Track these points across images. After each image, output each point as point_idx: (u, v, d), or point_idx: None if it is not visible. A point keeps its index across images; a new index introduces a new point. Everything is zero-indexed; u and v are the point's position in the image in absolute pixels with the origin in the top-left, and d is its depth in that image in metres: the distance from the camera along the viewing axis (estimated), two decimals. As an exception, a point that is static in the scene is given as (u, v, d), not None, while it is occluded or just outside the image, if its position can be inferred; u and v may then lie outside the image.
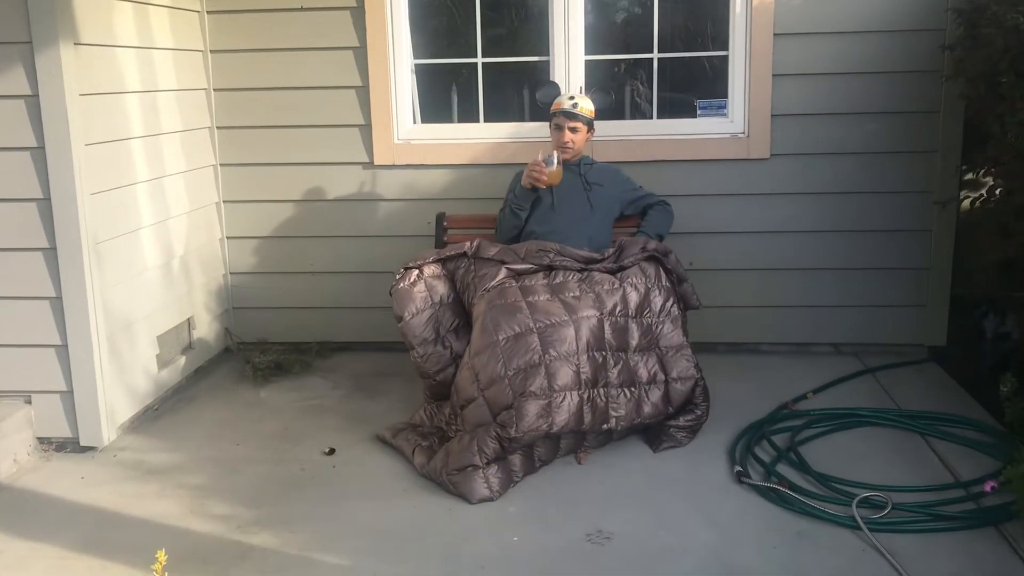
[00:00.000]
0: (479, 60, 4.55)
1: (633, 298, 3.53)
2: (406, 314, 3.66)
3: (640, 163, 4.45)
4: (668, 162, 4.48)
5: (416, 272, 3.75)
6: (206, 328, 4.60)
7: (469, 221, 4.33)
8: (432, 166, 4.59)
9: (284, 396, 4.23)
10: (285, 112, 4.60)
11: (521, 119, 4.78)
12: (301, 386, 4.35)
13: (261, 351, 4.64)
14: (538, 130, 4.51)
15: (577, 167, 4.02)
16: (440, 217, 4.29)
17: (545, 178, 3.82)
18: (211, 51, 4.58)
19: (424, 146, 4.58)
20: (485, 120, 4.61)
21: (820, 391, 4.12)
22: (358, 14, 4.48)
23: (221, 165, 4.70)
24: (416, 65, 4.65)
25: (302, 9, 4.50)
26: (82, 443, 3.63)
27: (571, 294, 3.49)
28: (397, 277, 3.74)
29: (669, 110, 4.60)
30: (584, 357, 3.34)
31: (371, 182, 4.64)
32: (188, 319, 4.43)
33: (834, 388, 4.17)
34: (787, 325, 4.62)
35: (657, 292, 3.59)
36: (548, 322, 3.33)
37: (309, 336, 4.81)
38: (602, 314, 3.43)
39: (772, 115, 4.39)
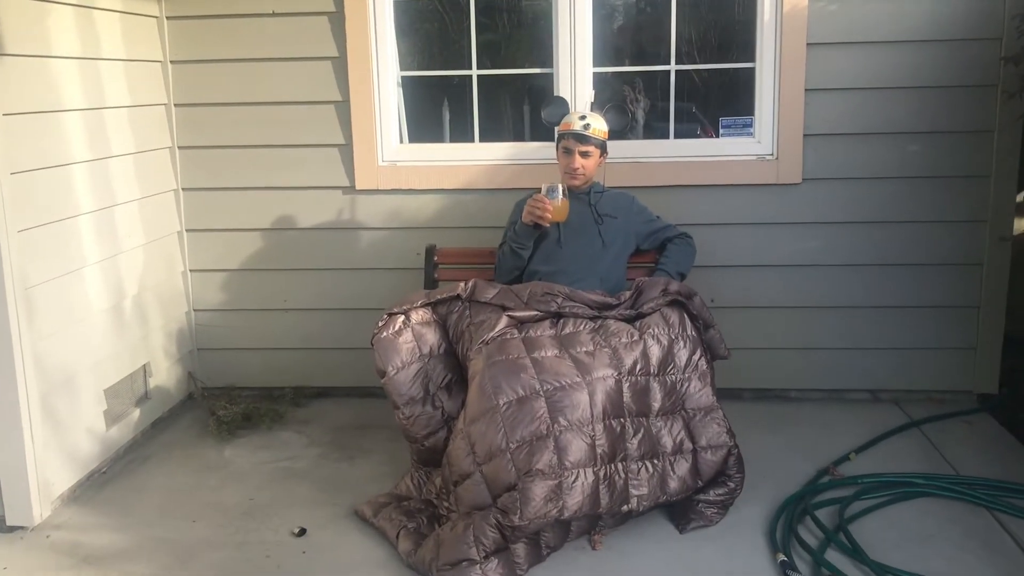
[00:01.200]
0: (474, 72, 4.04)
1: (655, 352, 3.02)
2: (390, 368, 3.14)
3: (655, 188, 3.95)
4: (687, 187, 3.98)
5: (402, 319, 3.23)
6: (165, 374, 4.07)
7: (463, 255, 3.82)
8: (421, 191, 4.08)
9: (251, 456, 3.70)
10: (255, 130, 4.08)
11: (521, 138, 4.27)
12: (271, 442, 3.83)
13: (228, 400, 4.11)
14: (541, 151, 4.00)
15: (587, 196, 3.51)
16: (430, 251, 3.78)
17: (549, 215, 3.32)
18: (171, 62, 4.06)
19: (412, 168, 4.07)
20: (481, 139, 4.10)
21: (863, 450, 3.61)
22: (337, 20, 3.97)
23: (184, 190, 4.18)
24: (403, 77, 4.14)
25: (274, 14, 3.98)
26: (8, 522, 3.10)
27: (583, 349, 2.97)
28: (379, 324, 3.22)
29: (688, 129, 4.10)
30: (600, 427, 2.82)
31: (352, 208, 4.13)
32: (144, 366, 3.90)
33: (878, 446, 3.66)
34: (819, 369, 4.11)
35: (682, 343, 3.08)
36: (557, 384, 2.82)
37: (283, 380, 4.29)
38: (620, 374, 2.92)
39: (804, 135, 3.89)
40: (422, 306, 3.28)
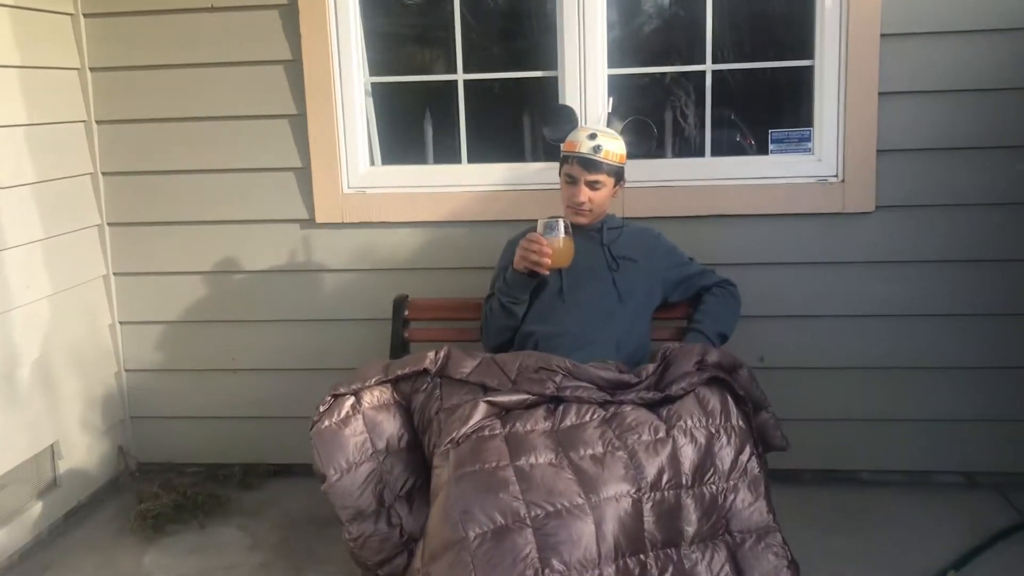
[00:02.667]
0: (459, 76, 3.25)
1: (688, 455, 2.19)
2: (331, 471, 2.36)
3: (686, 220, 3.13)
4: (727, 218, 3.15)
5: (351, 402, 2.45)
6: (84, 452, 3.31)
7: (442, 309, 3.03)
8: (396, 224, 3.29)
9: (178, 565, 2.92)
10: (194, 151, 3.32)
11: (520, 157, 3.48)
12: (207, 544, 3.04)
13: (163, 483, 3.34)
14: (544, 173, 3.20)
15: (598, 234, 2.71)
16: (399, 304, 2.98)
17: (548, 260, 2.52)
18: (91, 69, 3.31)
19: (385, 196, 3.28)
20: (470, 160, 3.31)
21: (965, 564, 2.75)
22: (290, 14, 3.21)
23: (110, 225, 3.42)
24: (372, 84, 3.36)
25: (212, 9, 3.22)
26: None
27: (589, 452, 2.16)
28: (321, 410, 2.44)
29: (728, 144, 3.28)
30: (611, 569, 2.01)
31: (312, 246, 3.35)
32: (51, 446, 3.14)
33: (986, 558, 2.80)
34: (898, 446, 3.26)
35: (725, 439, 2.25)
36: (551, 508, 2.01)
37: (232, 455, 3.52)
38: (640, 490, 2.10)
39: (878, 150, 3.06)
40: (378, 384, 2.49)
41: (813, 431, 3.22)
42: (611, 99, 2.86)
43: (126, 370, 3.52)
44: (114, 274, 3.45)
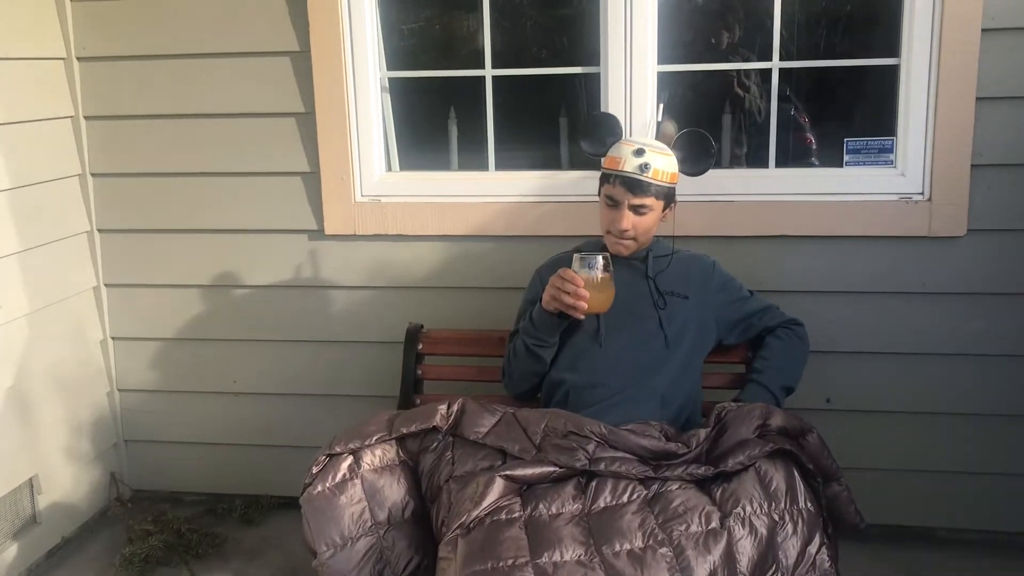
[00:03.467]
0: (488, 72, 2.85)
1: (746, 550, 1.81)
2: (323, 547, 2.02)
3: (744, 241, 2.74)
4: (792, 239, 2.74)
5: (348, 462, 2.10)
6: (70, 482, 3.02)
7: (460, 343, 2.66)
8: (414, 237, 2.93)
9: (160, 620, 2.62)
10: (193, 151, 2.99)
11: (555, 165, 3.08)
12: (197, 593, 2.74)
13: (154, 520, 3.04)
14: (583, 183, 2.81)
15: (642, 264, 2.32)
16: (413, 335, 2.62)
17: (584, 304, 2.12)
18: (79, 59, 2.98)
19: (402, 206, 2.91)
20: (498, 166, 2.92)
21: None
22: (297, 2, 2.83)
23: (100, 231, 3.10)
24: (390, 80, 2.98)
25: (211, -7, 2.86)
26: None
27: (625, 546, 1.79)
28: (313, 471, 2.09)
29: (796, 154, 2.86)
30: None
31: (321, 260, 3.00)
32: (29, 480, 2.84)
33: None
34: (980, 502, 2.84)
35: (791, 527, 1.87)
36: (578, 621, 1.65)
37: (233, 486, 3.21)
38: (687, 598, 1.72)
39: (972, 165, 2.62)
40: (381, 442, 2.13)
41: (884, 482, 2.83)
42: (661, 105, 2.45)
43: (119, 390, 3.21)
44: (105, 285, 3.13)
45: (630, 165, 2.20)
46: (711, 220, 2.73)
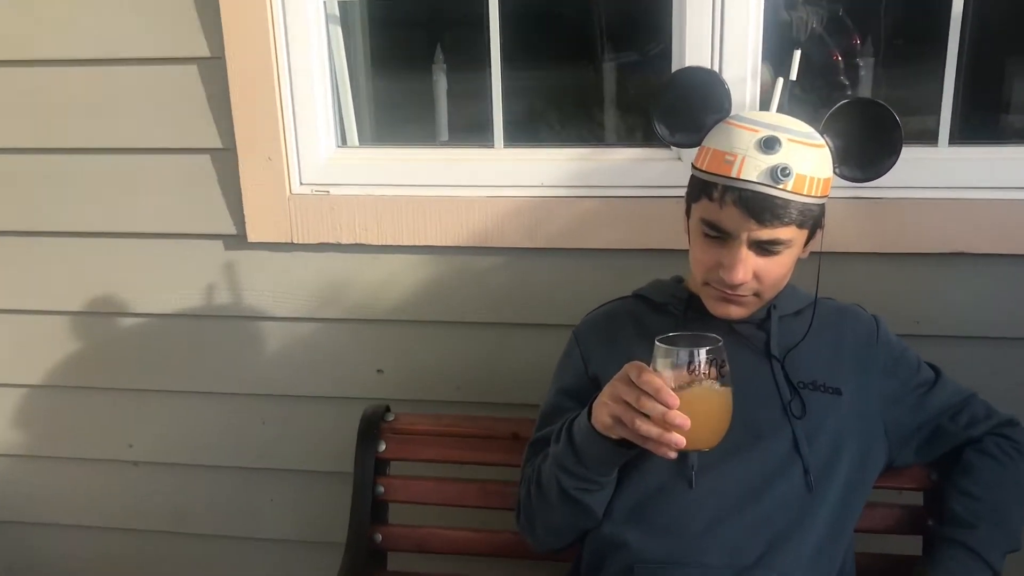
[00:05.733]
0: (492, -8, 1.82)
1: None
2: None
3: (895, 260, 1.73)
4: (975, 258, 1.73)
5: None
6: None
7: (451, 440, 1.66)
8: (382, 249, 1.93)
9: None
10: (56, 119, 1.97)
11: (596, 137, 2.01)
12: None
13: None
14: (646, 167, 1.80)
15: (760, 331, 1.33)
16: (369, 427, 1.64)
17: (679, 438, 1.11)
18: None
19: (364, 202, 1.90)
20: (508, 141, 1.89)
21: None
22: None
23: (-72, 233, 2.11)
24: (342, 6, 1.95)
25: None
26: None
27: None
28: None
29: (982, 125, 1.82)
30: None
31: (243, 280, 2.02)
32: None
33: None
34: None
35: None
36: None
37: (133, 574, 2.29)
38: None
39: None
40: None
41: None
42: (797, 52, 1.39)
43: (-26, 453, 2.27)
44: (-58, 310, 2.16)
45: (753, 169, 1.19)
46: (848, 228, 1.72)
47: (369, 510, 1.55)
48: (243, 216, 1.95)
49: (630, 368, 1.15)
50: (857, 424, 1.33)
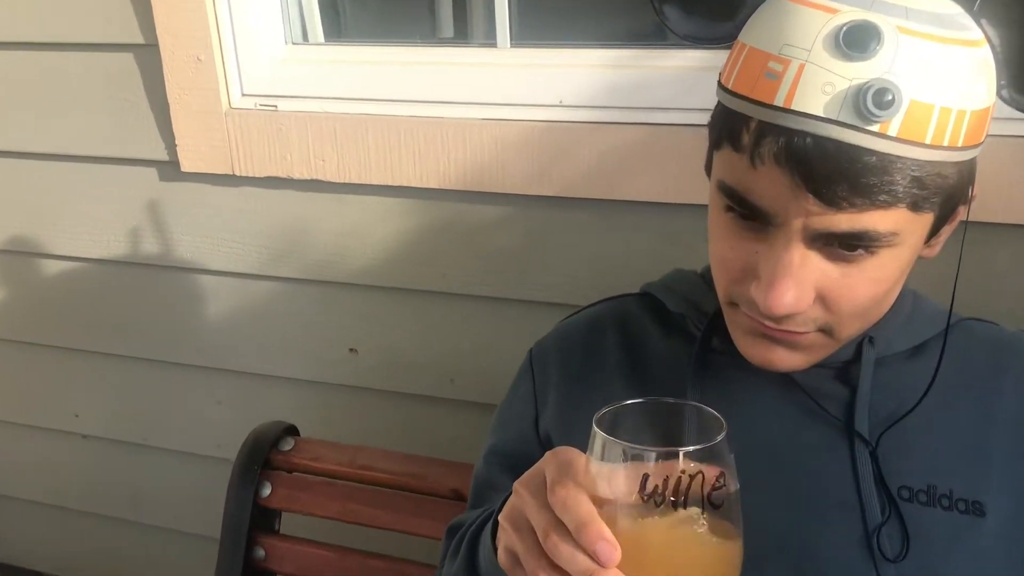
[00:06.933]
0: None
1: None
2: None
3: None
4: None
5: None
6: None
7: (357, 498, 1.13)
8: (348, 188, 1.40)
9: None
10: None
11: (640, 34, 1.38)
12: None
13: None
14: (711, 79, 1.17)
15: (843, 382, 0.73)
16: (252, 459, 1.13)
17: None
18: None
19: (324, 121, 1.36)
20: (516, 35, 1.30)
21: None
22: None
23: None
24: None
25: None
26: None
27: None
28: None
29: None
30: None
31: (178, 223, 1.54)
32: None
33: None
34: None
35: None
36: None
37: (99, 568, 1.93)
38: None
39: None
40: None
41: None
42: None
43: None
44: None
45: (819, 91, 0.58)
46: (997, 188, 1.05)
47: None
48: (174, 136, 1.45)
49: (550, 460, 0.59)
50: (1010, 574, 0.71)
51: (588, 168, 1.25)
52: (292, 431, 1.14)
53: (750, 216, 0.65)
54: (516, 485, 0.61)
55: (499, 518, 0.62)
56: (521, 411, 0.86)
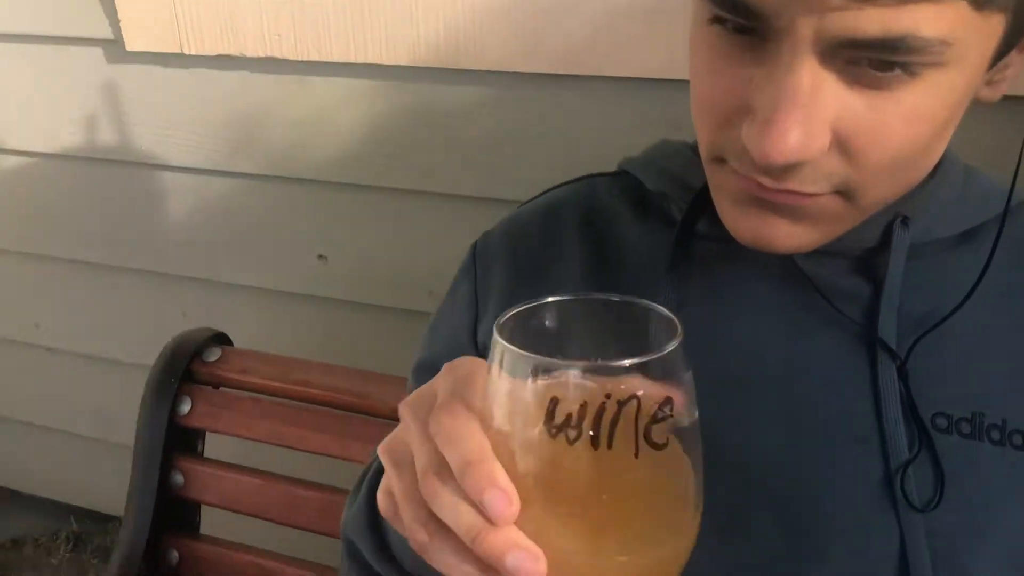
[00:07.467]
0: None
1: None
2: None
3: None
4: None
5: None
6: None
7: (286, 417, 0.95)
8: (309, 67, 1.22)
9: None
10: None
11: None
12: None
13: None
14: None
15: (865, 276, 0.56)
16: (169, 371, 0.97)
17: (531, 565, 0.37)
18: None
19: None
20: None
21: None
22: None
23: None
24: None
25: None
26: None
27: None
28: None
29: None
30: None
31: (129, 110, 1.37)
32: None
33: None
34: None
35: None
36: None
37: (70, 491, 1.83)
38: None
39: None
40: None
41: None
42: None
43: None
44: None
45: None
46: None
47: (151, 512, 0.90)
48: (115, 11, 1.28)
49: (446, 374, 0.42)
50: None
51: (579, 40, 1.06)
52: (222, 339, 0.98)
53: (744, 28, 0.46)
54: (401, 406, 0.44)
55: (378, 450, 0.46)
56: (458, 316, 0.69)
